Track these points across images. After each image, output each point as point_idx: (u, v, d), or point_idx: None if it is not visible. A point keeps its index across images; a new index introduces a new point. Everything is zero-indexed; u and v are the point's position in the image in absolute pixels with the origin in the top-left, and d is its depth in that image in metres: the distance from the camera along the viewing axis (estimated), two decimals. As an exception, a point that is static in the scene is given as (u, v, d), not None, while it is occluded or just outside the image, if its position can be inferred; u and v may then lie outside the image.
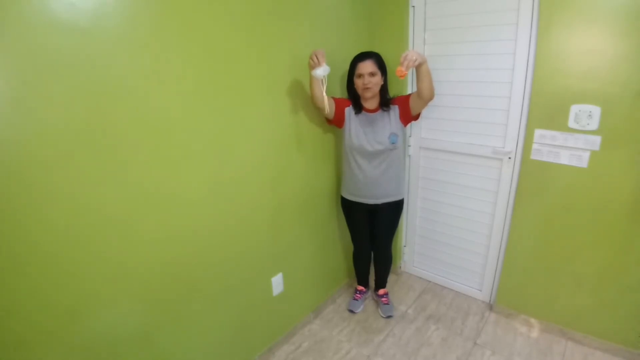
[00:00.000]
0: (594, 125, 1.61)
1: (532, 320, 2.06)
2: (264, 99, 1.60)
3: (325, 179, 2.08)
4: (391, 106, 1.85)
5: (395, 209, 2.01)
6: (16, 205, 0.96)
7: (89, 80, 1.04)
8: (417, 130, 2.25)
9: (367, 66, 1.74)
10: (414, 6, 2.04)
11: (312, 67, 1.56)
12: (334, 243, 2.30)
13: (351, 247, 2.28)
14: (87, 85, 1.04)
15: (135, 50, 1.13)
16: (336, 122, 1.87)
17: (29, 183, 0.98)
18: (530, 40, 1.71)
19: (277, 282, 1.88)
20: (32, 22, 0.91)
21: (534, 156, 1.81)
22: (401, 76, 1.50)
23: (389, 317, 2.19)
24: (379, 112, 1.85)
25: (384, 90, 1.84)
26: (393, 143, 1.82)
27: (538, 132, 1.77)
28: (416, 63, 1.52)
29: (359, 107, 1.86)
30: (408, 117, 1.85)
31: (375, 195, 1.93)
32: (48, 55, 0.95)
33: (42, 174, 1.00)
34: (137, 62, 1.14)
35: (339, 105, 1.83)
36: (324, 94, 1.63)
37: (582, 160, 1.68)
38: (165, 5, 1.18)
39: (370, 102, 1.85)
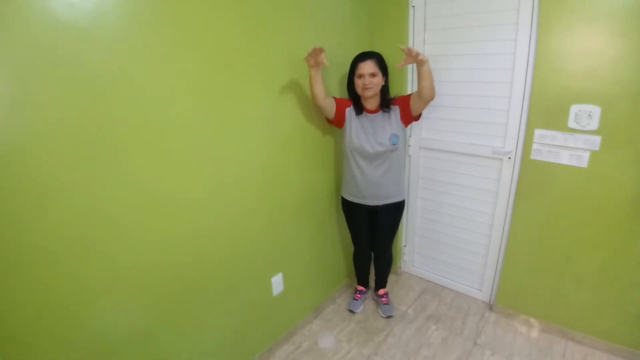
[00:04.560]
0: (594, 125, 1.61)
1: (532, 320, 2.06)
2: (264, 99, 1.60)
3: (325, 179, 2.08)
4: (392, 107, 1.84)
5: (396, 210, 2.01)
6: (16, 205, 0.96)
7: (88, 80, 1.04)
8: (417, 130, 2.25)
9: (367, 66, 1.73)
10: (414, 6, 2.04)
11: (312, 56, 1.56)
12: (334, 243, 2.30)
13: (351, 247, 2.28)
14: (87, 85, 1.04)
15: (135, 50, 1.13)
16: (336, 123, 1.87)
17: (29, 183, 0.98)
18: (530, 40, 1.71)
19: (277, 282, 1.88)
20: (31, 22, 0.91)
21: (534, 156, 1.81)
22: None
23: (389, 317, 2.19)
24: (380, 112, 1.84)
25: (384, 90, 1.83)
26: (394, 144, 1.81)
27: (538, 132, 1.77)
28: (419, 57, 1.55)
29: (359, 108, 1.85)
30: (409, 117, 1.84)
31: (376, 197, 1.92)
32: (47, 55, 0.95)
33: (42, 174, 1.00)
34: (136, 62, 1.14)
35: (340, 105, 1.83)
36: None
37: (582, 160, 1.68)
38: (164, 5, 1.18)
39: (371, 103, 1.84)
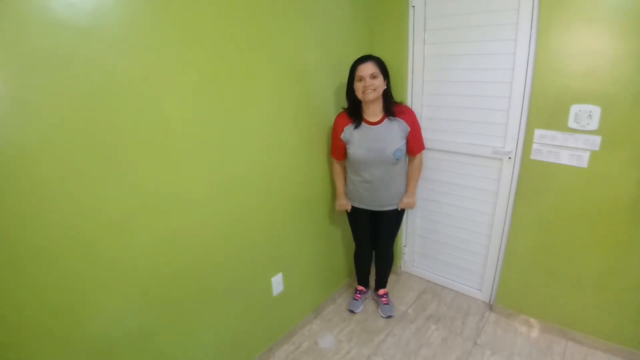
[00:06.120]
0: (594, 125, 1.61)
1: (532, 320, 2.06)
2: (265, 99, 1.60)
3: (326, 179, 2.08)
4: (399, 119, 1.79)
5: (398, 213, 2.01)
6: (16, 205, 0.96)
7: (88, 81, 1.04)
8: (417, 130, 2.25)
9: (367, 67, 1.69)
10: (414, 6, 2.04)
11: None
12: (334, 243, 2.30)
13: (351, 247, 2.28)
14: (87, 85, 1.04)
15: (135, 50, 1.13)
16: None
17: (29, 183, 0.98)
18: (530, 40, 1.71)
19: (277, 282, 1.88)
20: (31, 22, 0.91)
21: (534, 156, 1.81)
22: None
23: (389, 317, 2.19)
24: (384, 123, 1.79)
25: (387, 95, 1.78)
26: (397, 159, 1.80)
27: (538, 132, 1.76)
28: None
29: (358, 118, 1.81)
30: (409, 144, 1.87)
31: (379, 204, 1.94)
32: (47, 55, 0.95)
33: (42, 174, 1.00)
34: (137, 62, 1.14)
35: (338, 143, 1.87)
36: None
37: (582, 160, 1.68)
38: (165, 5, 1.18)
39: (373, 111, 1.78)
